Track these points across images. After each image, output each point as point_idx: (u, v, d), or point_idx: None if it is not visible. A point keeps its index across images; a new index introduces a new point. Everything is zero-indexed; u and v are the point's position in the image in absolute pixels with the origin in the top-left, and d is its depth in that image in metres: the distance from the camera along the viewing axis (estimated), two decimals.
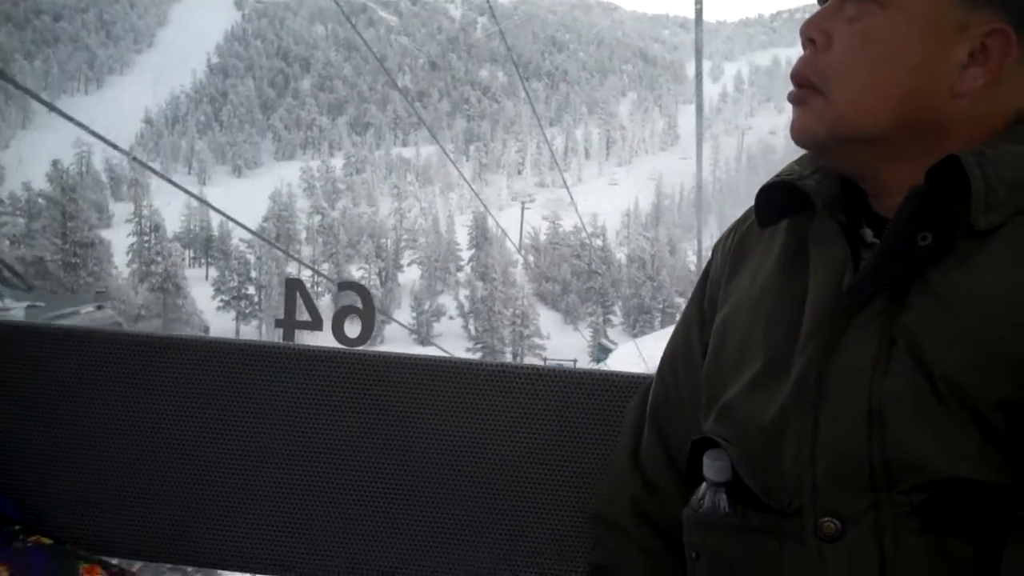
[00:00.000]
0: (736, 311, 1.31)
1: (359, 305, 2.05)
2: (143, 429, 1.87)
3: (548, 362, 71.30)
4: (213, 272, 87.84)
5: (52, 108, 7.92)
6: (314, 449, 1.82)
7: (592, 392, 1.77)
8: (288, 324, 2.08)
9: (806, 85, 1.20)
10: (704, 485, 1.20)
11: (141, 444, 1.87)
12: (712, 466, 1.18)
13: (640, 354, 33.40)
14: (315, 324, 2.04)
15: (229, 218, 8.19)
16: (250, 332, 79.32)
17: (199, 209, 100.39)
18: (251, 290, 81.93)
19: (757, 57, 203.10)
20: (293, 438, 1.83)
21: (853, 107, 1.16)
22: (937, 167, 1.09)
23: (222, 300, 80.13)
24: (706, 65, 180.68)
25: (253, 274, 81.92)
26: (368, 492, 1.81)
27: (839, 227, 1.20)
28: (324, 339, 1.92)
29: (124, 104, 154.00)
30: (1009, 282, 1.03)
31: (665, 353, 1.48)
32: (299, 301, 2.20)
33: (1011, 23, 1.09)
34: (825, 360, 1.12)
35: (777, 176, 1.29)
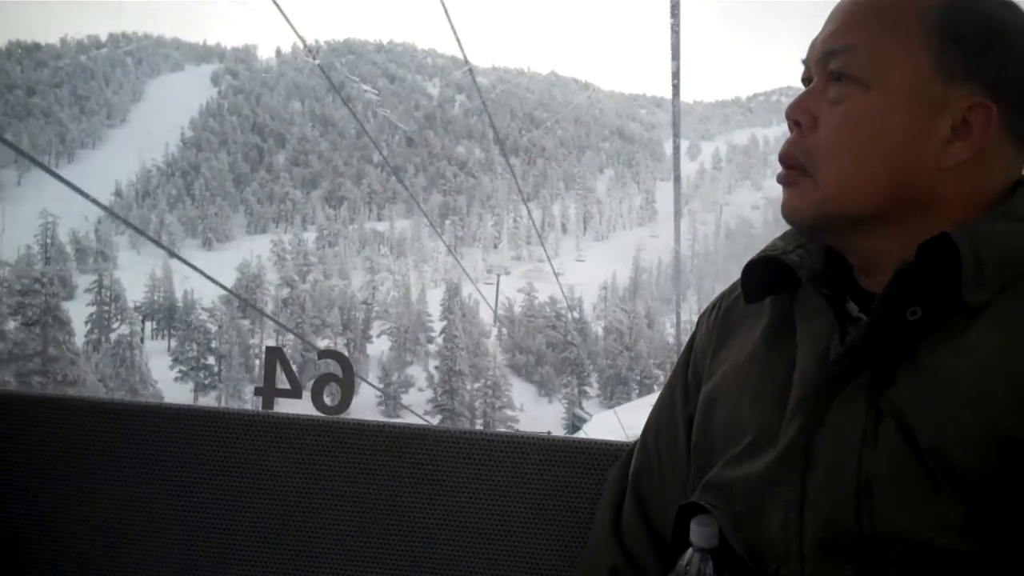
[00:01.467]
0: (724, 384, 1.32)
1: (339, 373, 2.09)
2: (122, 498, 1.85)
3: None
4: (174, 342, 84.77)
5: (48, 170, 7.73)
6: (294, 517, 1.82)
7: (573, 460, 1.77)
8: (267, 392, 2.13)
9: (794, 167, 1.22)
10: (690, 551, 1.19)
11: (119, 513, 1.86)
12: (700, 532, 1.17)
13: (619, 421, 33.69)
14: (294, 392, 2.11)
15: (209, 278, 8.16)
16: (209, 403, 76.11)
17: (163, 281, 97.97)
18: (211, 360, 78.69)
19: (734, 136, 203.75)
20: (273, 506, 1.83)
21: (840, 187, 1.17)
22: (929, 243, 1.10)
23: (180, 370, 76.87)
24: (683, 144, 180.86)
25: (214, 344, 78.76)
26: (348, 560, 1.81)
27: (825, 300, 1.21)
28: (303, 407, 1.94)
29: (95, 178, 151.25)
30: (997, 359, 1.04)
31: (648, 423, 1.49)
32: (279, 369, 2.26)
33: (991, 97, 1.11)
34: (813, 430, 1.13)
35: (762, 252, 1.30)
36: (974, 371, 1.05)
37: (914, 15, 1.15)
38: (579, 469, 1.75)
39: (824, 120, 1.19)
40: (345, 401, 2.01)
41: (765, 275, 1.29)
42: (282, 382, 2.10)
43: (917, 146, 1.13)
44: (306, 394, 2.03)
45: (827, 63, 1.20)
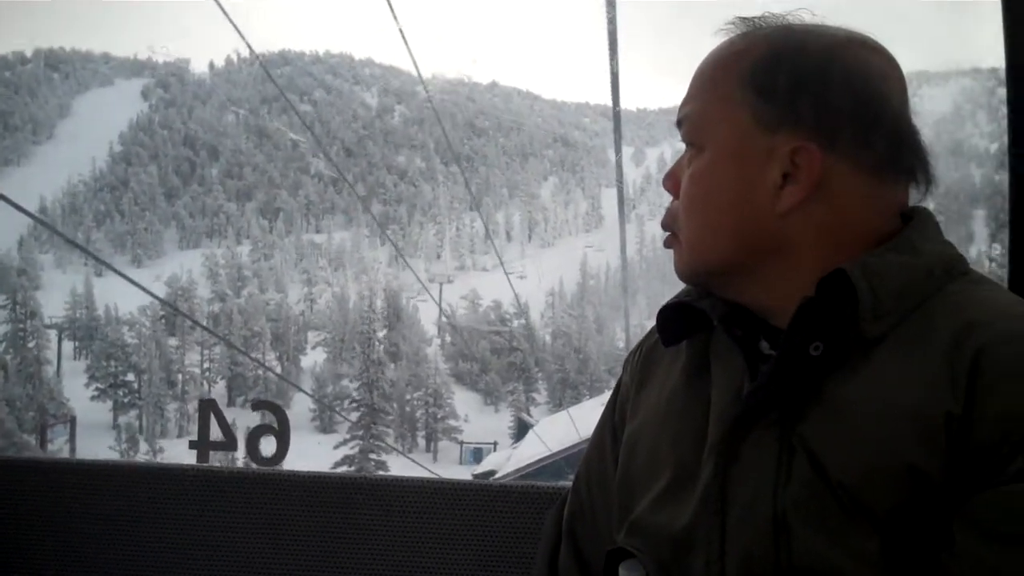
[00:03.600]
0: (644, 425, 1.37)
1: (274, 424, 2.14)
2: (57, 556, 1.85)
3: (465, 446, 65.07)
4: (89, 359, 79.64)
5: None
6: (236, 571, 1.82)
7: (513, 504, 1.79)
8: (202, 446, 2.19)
9: (669, 231, 1.33)
10: None
11: (56, 569, 1.86)
12: None
13: (572, 420, 34.55)
14: (229, 444, 2.17)
15: (139, 286, 8.11)
16: (130, 421, 71.21)
17: (84, 297, 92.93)
18: (130, 376, 73.63)
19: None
20: (210, 561, 1.82)
21: (696, 247, 1.27)
22: (827, 279, 1.15)
23: (97, 388, 71.75)
24: (628, 151, 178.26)
25: (133, 359, 73.71)
26: None
27: (735, 340, 1.26)
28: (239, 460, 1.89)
29: (19, 195, 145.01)
30: (896, 390, 1.08)
31: (580, 466, 1.54)
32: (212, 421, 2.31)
33: (812, 139, 1.19)
34: (728, 469, 1.16)
35: (675, 297, 1.37)
36: (876, 403, 1.09)
37: (730, 78, 1.24)
38: (520, 513, 1.76)
39: (682, 185, 1.29)
40: (281, 452, 2.00)
41: (681, 319, 1.34)
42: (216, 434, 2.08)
43: (752, 196, 1.21)
44: (241, 443, 1.97)
45: (680, 133, 1.31)
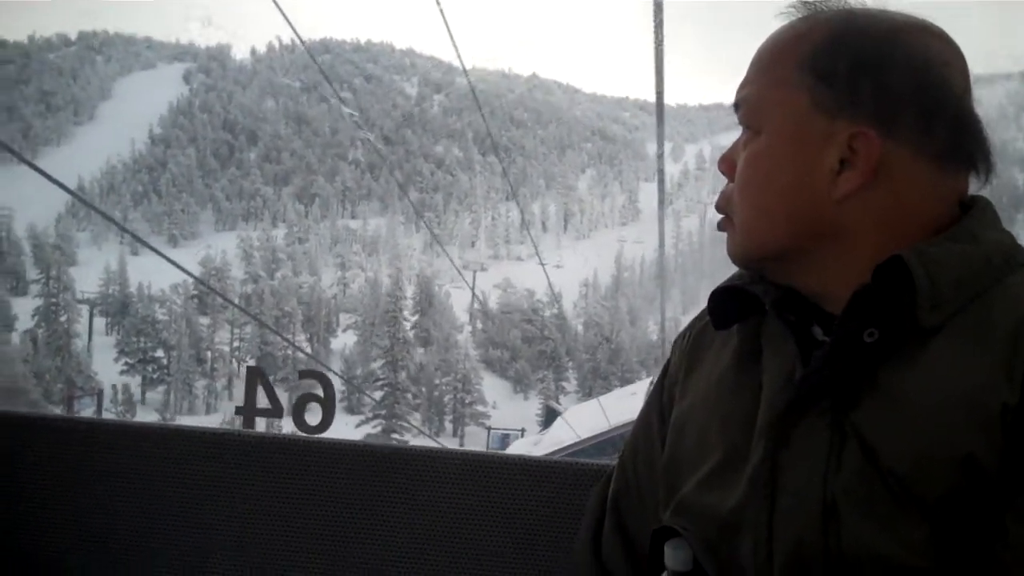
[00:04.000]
0: (693, 407, 1.35)
1: (320, 393, 2.15)
2: (97, 517, 1.87)
3: (492, 431, 64.39)
4: (119, 334, 79.79)
5: (15, 154, 7.83)
6: (275, 538, 1.84)
7: (555, 481, 1.79)
8: (248, 412, 2.22)
9: (724, 213, 1.30)
10: (665, 575, 1.21)
11: (94, 532, 1.88)
12: (674, 555, 1.19)
13: (602, 409, 34.29)
14: (275, 412, 2.20)
15: (171, 261, 8.03)
16: (157, 399, 71.21)
17: (117, 274, 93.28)
18: (160, 352, 73.60)
19: (720, 138, 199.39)
20: (254, 526, 1.84)
21: (750, 230, 1.25)
22: (883, 266, 1.13)
23: (126, 363, 71.70)
24: (667, 146, 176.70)
25: (163, 335, 73.65)
26: None
27: (787, 326, 1.24)
28: (285, 427, 1.99)
29: (61, 174, 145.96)
30: (952, 380, 1.08)
31: (626, 445, 1.52)
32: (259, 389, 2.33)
33: (871, 124, 1.16)
34: (778, 454, 1.16)
35: (728, 280, 1.34)
36: (931, 392, 1.08)
37: (790, 61, 1.22)
38: (562, 490, 1.76)
39: (738, 168, 1.27)
40: (326, 421, 2.05)
41: (732, 302, 1.33)
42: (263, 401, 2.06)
43: (808, 181, 1.19)
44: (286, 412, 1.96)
45: (737, 115, 1.28)
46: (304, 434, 1.86)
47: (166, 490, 1.83)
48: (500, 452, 1.92)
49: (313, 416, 2.15)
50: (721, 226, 1.31)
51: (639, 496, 1.45)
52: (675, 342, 1.50)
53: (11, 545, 1.88)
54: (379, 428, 61.67)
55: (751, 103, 1.26)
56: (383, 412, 63.72)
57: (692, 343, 1.44)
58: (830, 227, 1.19)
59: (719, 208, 1.31)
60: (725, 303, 1.34)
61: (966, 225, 1.19)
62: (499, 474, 1.78)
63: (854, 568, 1.09)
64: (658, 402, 1.47)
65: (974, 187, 1.25)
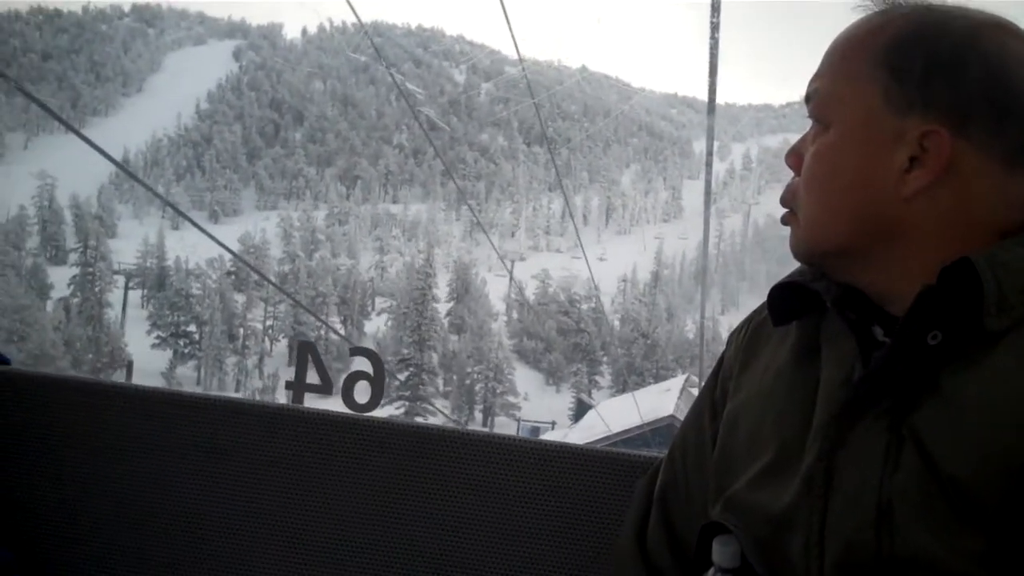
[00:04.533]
0: (748, 402, 1.34)
1: (370, 371, 2.18)
2: (147, 486, 1.92)
3: (522, 423, 63.39)
4: (152, 307, 79.75)
5: (62, 121, 7.69)
6: (322, 512, 1.87)
7: (601, 471, 1.79)
8: (298, 387, 2.25)
9: (788, 207, 1.29)
10: (712, 570, 1.21)
11: (144, 501, 1.91)
12: (722, 551, 1.19)
13: (636, 405, 33.96)
14: (325, 388, 2.23)
15: (210, 235, 8.19)
16: (188, 374, 70.95)
17: (156, 247, 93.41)
18: (192, 328, 73.33)
19: (766, 140, 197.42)
20: (299, 500, 1.88)
21: (814, 226, 1.24)
22: (950, 268, 1.11)
23: (159, 336, 71.54)
24: (714, 145, 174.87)
25: (196, 309, 73.39)
26: (373, 558, 1.85)
27: (848, 325, 1.23)
28: (334, 404, 2.00)
29: (106, 145, 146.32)
30: (1016, 386, 1.05)
31: (676, 438, 1.51)
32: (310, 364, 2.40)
33: (943, 123, 1.14)
34: (834, 454, 1.15)
35: (789, 277, 1.34)
36: (994, 399, 1.06)
37: (863, 55, 1.20)
38: (607, 480, 1.76)
39: (805, 162, 1.26)
40: (375, 399, 2.05)
41: (792, 299, 1.32)
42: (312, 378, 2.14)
43: (875, 178, 1.17)
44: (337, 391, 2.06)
45: (807, 108, 1.28)
46: (353, 412, 1.83)
47: (217, 459, 1.87)
48: (544, 440, 1.90)
49: (362, 395, 2.15)
50: (785, 220, 1.30)
51: (687, 490, 1.44)
52: (731, 335, 1.49)
53: (65, 509, 1.91)
54: (402, 410, 60.10)
55: (822, 96, 1.25)
56: (407, 394, 62.15)
57: (749, 338, 1.43)
58: (895, 226, 1.18)
59: (784, 202, 1.31)
60: (785, 299, 1.32)
61: None
62: (543, 461, 1.79)
63: (906, 572, 1.07)
64: (711, 395, 1.46)
65: None
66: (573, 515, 1.77)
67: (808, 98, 1.27)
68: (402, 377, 62.04)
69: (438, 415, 57.18)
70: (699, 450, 1.43)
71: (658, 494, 1.49)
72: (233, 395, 2.19)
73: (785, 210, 1.31)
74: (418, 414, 58.83)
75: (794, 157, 1.29)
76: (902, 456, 1.09)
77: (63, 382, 1.98)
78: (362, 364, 2.11)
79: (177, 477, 1.88)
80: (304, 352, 2.11)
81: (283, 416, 1.89)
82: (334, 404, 1.89)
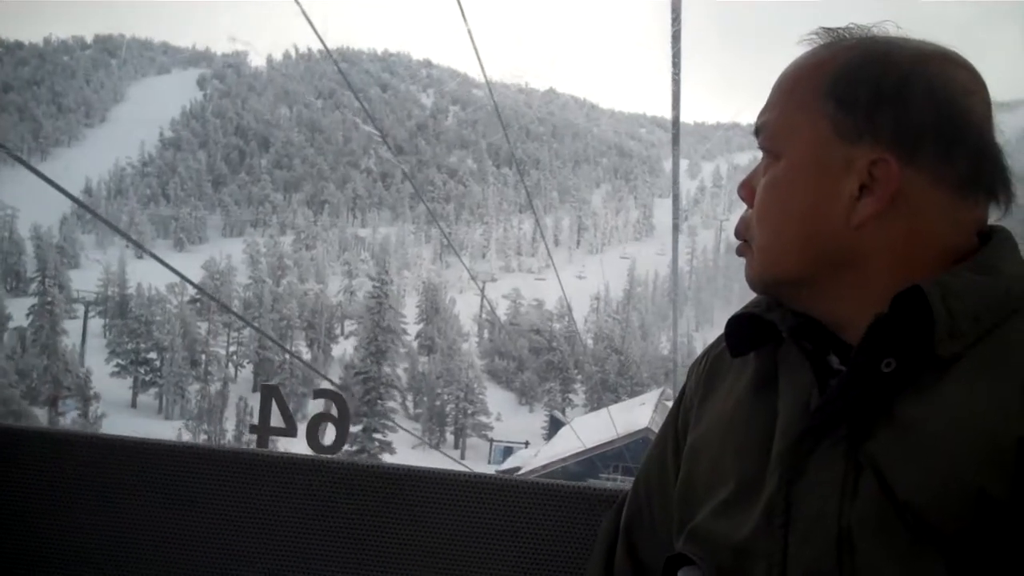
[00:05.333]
0: (708, 434, 1.35)
1: (334, 412, 2.21)
2: (114, 534, 1.91)
3: (495, 444, 61.60)
4: (112, 334, 77.87)
5: (16, 158, 7.70)
6: (288, 556, 1.87)
7: (568, 505, 1.80)
8: (263, 430, 2.27)
9: (742, 239, 1.31)
10: None
11: (112, 549, 1.91)
12: None
13: (611, 419, 33.26)
14: (289, 431, 2.25)
15: (169, 267, 8.24)
16: (149, 402, 68.94)
17: (117, 275, 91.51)
18: (153, 355, 71.38)
19: (736, 157, 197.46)
20: (267, 544, 1.88)
21: (768, 256, 1.26)
22: (902, 296, 1.13)
23: (118, 364, 69.52)
24: (683, 163, 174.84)
25: (156, 335, 71.48)
26: None
27: (804, 353, 1.25)
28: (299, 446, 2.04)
29: (68, 175, 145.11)
30: (968, 412, 1.07)
31: (640, 472, 1.52)
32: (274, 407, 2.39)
33: (891, 151, 1.16)
34: (793, 483, 1.15)
35: (745, 308, 1.35)
36: (947, 424, 1.07)
37: (811, 87, 1.22)
38: (574, 514, 1.77)
39: (757, 193, 1.28)
40: (340, 440, 2.05)
41: (749, 329, 1.33)
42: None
43: (826, 207, 1.19)
44: (302, 429, 2.07)
45: (758, 140, 1.30)
46: (319, 454, 1.85)
47: (183, 506, 1.87)
48: (511, 476, 1.90)
49: (328, 436, 2.17)
50: (740, 252, 1.31)
51: (652, 522, 1.45)
52: (691, 367, 1.49)
53: (31, 560, 1.89)
54: (358, 427, 56.12)
55: (772, 128, 1.27)
56: (364, 410, 57.95)
57: (709, 369, 1.43)
58: (847, 254, 1.19)
59: (738, 234, 1.32)
60: (742, 330, 1.33)
61: (986, 256, 1.19)
62: (511, 497, 1.79)
63: None
64: (673, 427, 1.46)
65: (994, 216, 1.24)
66: (541, 550, 1.76)
67: (758, 131, 1.29)
68: (358, 391, 58.55)
69: (398, 430, 54.38)
70: (662, 482, 1.44)
71: (624, 527, 1.50)
72: (197, 441, 1.86)
73: (740, 243, 1.32)
74: (375, 430, 55.59)
75: (746, 189, 1.30)
76: (860, 483, 1.10)
77: (22, 432, 1.96)
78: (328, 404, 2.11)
79: (141, 525, 1.87)
80: (268, 395, 2.07)
81: (247, 460, 1.88)
82: (299, 446, 1.94)
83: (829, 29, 1.28)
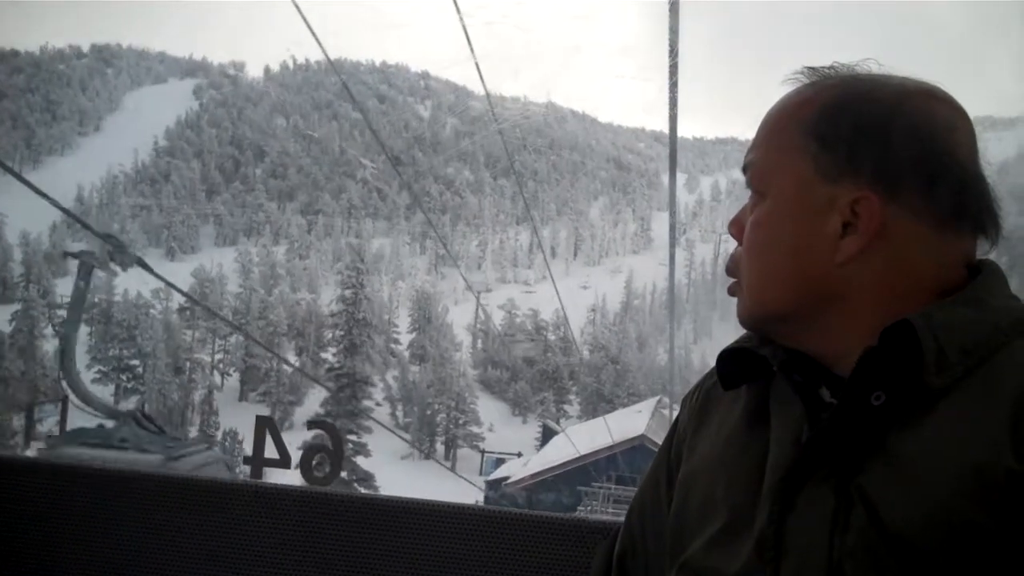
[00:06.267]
0: (700, 467, 1.35)
1: (328, 444, 2.19)
2: (102, 565, 1.89)
3: (487, 455, 59.60)
4: (94, 340, 76.15)
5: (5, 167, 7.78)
6: None
7: (562, 537, 1.80)
8: (256, 462, 2.26)
9: (733, 276, 1.34)
10: None
11: None
12: None
13: (607, 428, 33.11)
14: (283, 462, 2.23)
15: (159, 277, 8.51)
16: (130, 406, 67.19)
17: (104, 282, 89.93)
18: (135, 361, 69.64)
19: (734, 172, 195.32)
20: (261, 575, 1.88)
21: (757, 293, 1.27)
22: (891, 329, 1.14)
23: (99, 371, 67.75)
24: (682, 177, 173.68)
25: (139, 341, 69.83)
26: None
27: (795, 387, 1.26)
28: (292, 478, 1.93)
29: (59, 184, 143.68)
30: (958, 444, 1.08)
31: (633, 504, 1.53)
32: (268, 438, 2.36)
33: (872, 188, 1.18)
34: (784, 517, 1.16)
35: (736, 342, 1.36)
36: (937, 457, 1.08)
37: (794, 126, 1.25)
38: (567, 546, 1.77)
39: (745, 232, 1.29)
40: (335, 472, 2.03)
41: (741, 363, 1.34)
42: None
43: (811, 245, 1.21)
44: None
45: (745, 179, 1.32)
46: (312, 486, 1.82)
47: (175, 537, 1.85)
48: (505, 508, 1.87)
49: (321, 467, 1.63)
50: (731, 290, 1.33)
51: (645, 555, 1.45)
52: (684, 400, 1.51)
53: None
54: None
55: (757, 167, 1.29)
56: (335, 410, 54.87)
57: (701, 401, 1.44)
58: (834, 290, 1.20)
59: (729, 272, 1.34)
60: (734, 364, 1.34)
61: (974, 290, 1.19)
62: (505, 529, 1.78)
63: None
64: (666, 459, 1.47)
65: (982, 250, 1.25)
66: None
67: (745, 169, 1.31)
68: (330, 389, 55.15)
69: (373, 431, 51.84)
70: (656, 514, 1.44)
71: (617, 559, 1.50)
72: (186, 472, 2.09)
73: (732, 281, 1.33)
74: (349, 431, 52.05)
75: (736, 227, 1.32)
76: (851, 517, 1.10)
77: (11, 463, 1.94)
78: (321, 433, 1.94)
79: (132, 556, 1.84)
80: (262, 427, 2.10)
81: (241, 491, 1.85)
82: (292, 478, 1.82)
83: (813, 68, 1.29)
